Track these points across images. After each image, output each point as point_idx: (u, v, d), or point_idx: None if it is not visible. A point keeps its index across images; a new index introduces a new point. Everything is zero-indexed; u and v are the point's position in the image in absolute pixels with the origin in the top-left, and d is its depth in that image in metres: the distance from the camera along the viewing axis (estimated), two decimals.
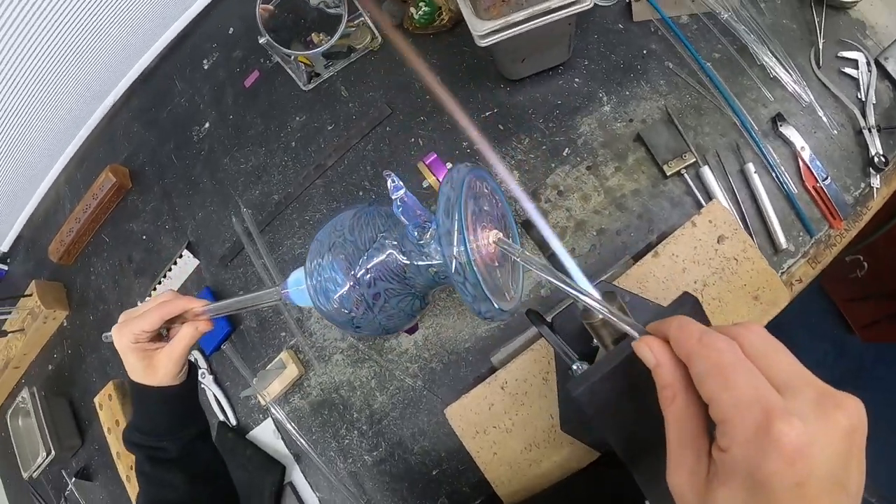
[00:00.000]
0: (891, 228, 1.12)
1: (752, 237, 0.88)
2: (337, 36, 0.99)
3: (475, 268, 0.47)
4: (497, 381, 0.79)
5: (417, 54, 1.04)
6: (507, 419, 0.78)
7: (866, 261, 1.41)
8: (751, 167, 0.91)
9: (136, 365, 0.65)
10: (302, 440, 0.95)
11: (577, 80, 0.98)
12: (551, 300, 0.90)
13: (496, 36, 0.83)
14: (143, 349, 0.65)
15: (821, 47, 0.98)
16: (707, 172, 0.90)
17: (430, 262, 0.55)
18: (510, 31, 0.83)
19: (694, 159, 0.91)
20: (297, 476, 0.98)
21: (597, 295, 0.43)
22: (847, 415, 0.27)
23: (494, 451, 0.78)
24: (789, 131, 0.94)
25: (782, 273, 0.88)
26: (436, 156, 0.72)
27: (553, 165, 0.94)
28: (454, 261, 0.47)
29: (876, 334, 1.77)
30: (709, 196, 0.90)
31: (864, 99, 0.99)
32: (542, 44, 0.92)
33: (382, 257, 0.56)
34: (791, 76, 0.97)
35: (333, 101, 1.08)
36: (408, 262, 0.56)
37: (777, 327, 1.82)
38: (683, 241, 0.80)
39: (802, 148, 0.93)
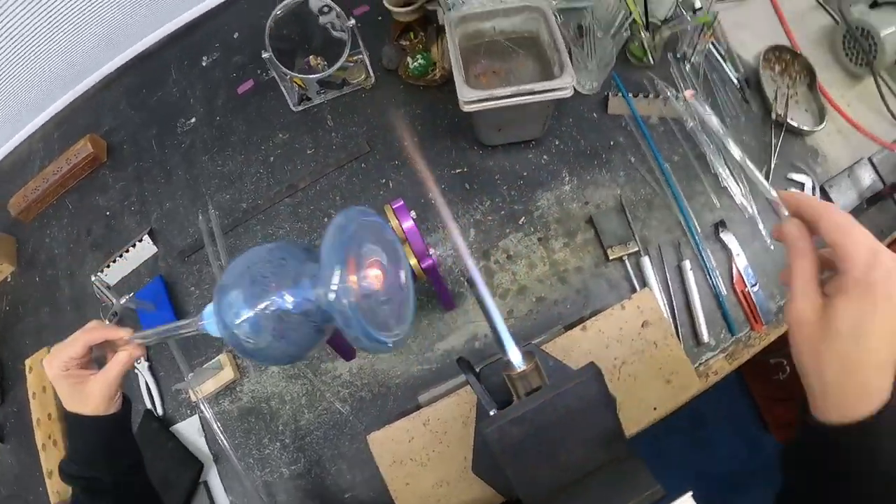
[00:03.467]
0: None
1: (677, 327, 0.96)
2: (336, 66, 1.05)
3: (351, 303, 0.49)
4: (421, 417, 0.85)
5: (405, 101, 1.11)
6: (424, 454, 0.84)
7: (789, 365, 1.51)
8: (687, 264, 1.00)
9: (69, 392, 0.66)
10: (225, 442, 0.98)
11: (545, 156, 1.06)
12: (483, 353, 0.96)
13: (479, 104, 0.91)
14: (75, 376, 0.66)
15: (772, 166, 1.08)
16: (647, 263, 0.99)
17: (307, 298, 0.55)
18: (492, 102, 0.91)
19: (637, 249, 0.99)
20: (212, 477, 1.00)
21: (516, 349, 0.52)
22: None
23: (407, 482, 0.84)
24: (729, 238, 1.03)
25: (700, 364, 0.96)
26: (403, 202, 0.78)
27: (507, 231, 1.01)
28: (327, 297, 0.49)
29: (788, 435, 1.87)
30: (644, 284, 0.98)
31: None
32: (520, 119, 1.00)
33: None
34: (739, 188, 1.07)
35: (317, 127, 1.14)
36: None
37: (699, 419, 1.91)
38: (611, 320, 0.88)
39: (738, 255, 1.02)
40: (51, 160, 1.29)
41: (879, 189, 1.06)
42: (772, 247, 1.01)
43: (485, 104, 0.91)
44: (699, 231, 1.02)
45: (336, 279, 0.48)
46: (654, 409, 0.85)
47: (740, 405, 2.00)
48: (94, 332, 0.67)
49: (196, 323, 0.62)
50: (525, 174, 1.05)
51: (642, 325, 0.88)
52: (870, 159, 1.08)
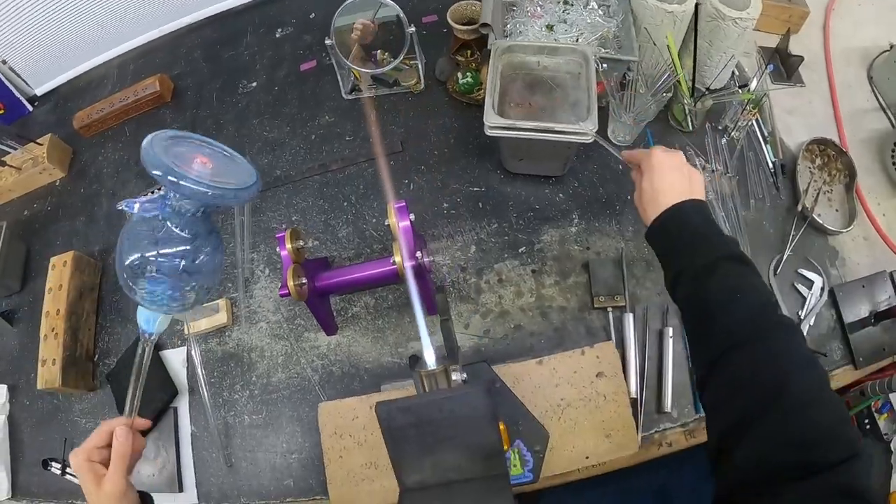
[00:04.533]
0: None
1: (641, 389, 0.97)
2: (391, 66, 1.12)
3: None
4: (370, 400, 0.92)
5: (446, 113, 1.17)
6: (363, 434, 0.91)
7: None
8: (669, 331, 1.01)
9: (89, 487, 0.66)
10: (202, 378, 1.05)
11: (561, 194, 1.10)
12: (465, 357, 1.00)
13: (501, 132, 0.96)
14: (96, 470, 0.66)
15: (784, 258, 1.08)
16: (629, 319, 1.01)
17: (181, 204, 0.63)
18: (513, 132, 0.96)
19: (624, 304, 1.02)
20: (182, 405, 1.07)
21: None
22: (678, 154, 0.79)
23: (341, 454, 0.90)
24: None
25: (656, 431, 0.96)
26: (405, 204, 0.84)
27: (505, 255, 1.06)
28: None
29: None
30: (622, 339, 1.01)
31: (802, 317, 1.08)
32: (541, 153, 1.05)
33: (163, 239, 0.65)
34: None
35: (360, 118, 1.22)
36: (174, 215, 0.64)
37: (665, 496, 1.85)
38: (568, 362, 0.92)
39: None
40: (122, 88, 1.40)
41: (893, 306, 1.04)
42: None
43: (507, 132, 0.97)
44: None
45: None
46: (587, 457, 0.88)
47: (711, 488, 1.95)
48: (113, 422, 0.70)
49: (145, 342, 0.71)
50: (537, 207, 1.10)
51: (596, 375, 0.91)
52: (891, 274, 1.07)
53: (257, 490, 0.99)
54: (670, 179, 0.76)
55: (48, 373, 1.06)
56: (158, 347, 1.12)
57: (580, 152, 1.12)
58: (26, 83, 1.48)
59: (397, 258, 0.87)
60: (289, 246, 0.90)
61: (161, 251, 0.63)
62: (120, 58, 1.51)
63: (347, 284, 0.97)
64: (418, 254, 0.85)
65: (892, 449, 1.18)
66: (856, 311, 1.06)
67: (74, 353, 1.10)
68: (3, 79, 1.40)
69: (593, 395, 0.91)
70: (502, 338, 1.01)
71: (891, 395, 1.13)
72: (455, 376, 0.65)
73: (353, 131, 1.21)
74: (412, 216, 0.84)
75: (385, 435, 0.60)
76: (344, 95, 1.23)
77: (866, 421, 1.16)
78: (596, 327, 1.02)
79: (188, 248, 0.64)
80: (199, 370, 1.06)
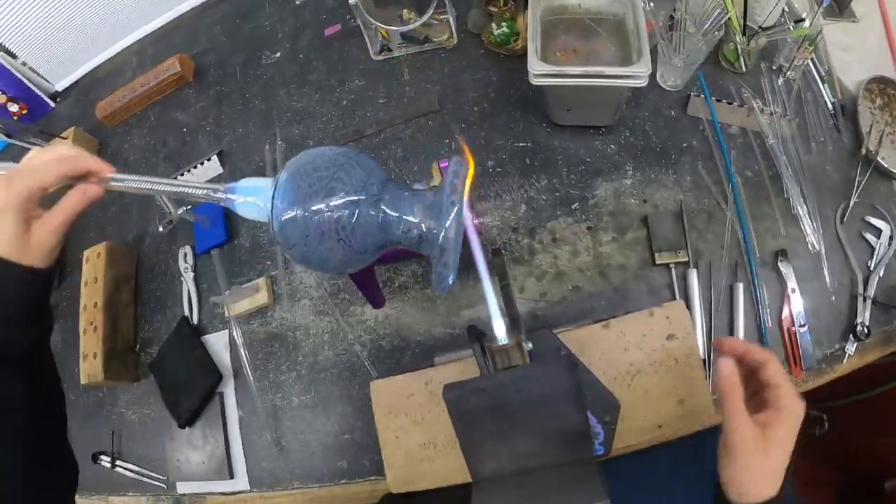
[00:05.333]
0: (862, 400, 1.12)
1: (708, 350, 0.92)
2: (420, 21, 1.06)
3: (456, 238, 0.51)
4: (425, 375, 0.86)
5: (482, 66, 1.10)
6: (419, 412, 0.85)
7: (829, 421, 1.42)
8: (740, 287, 0.95)
9: (10, 231, 0.53)
10: (247, 360, 1.02)
11: (612, 145, 1.03)
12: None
13: (548, 80, 0.89)
14: (27, 213, 0.54)
15: (851, 205, 1.01)
16: (693, 275, 0.95)
17: (409, 220, 0.54)
18: (561, 80, 0.89)
19: (686, 259, 0.95)
20: (228, 389, 1.04)
21: None
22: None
23: (397, 434, 0.85)
24: (787, 269, 0.97)
25: None
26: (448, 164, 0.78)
27: (558, 213, 0.99)
28: (446, 230, 0.50)
29: (809, 494, 1.77)
30: (687, 297, 0.94)
31: (871, 268, 1.01)
32: (590, 102, 0.97)
33: (364, 198, 0.54)
34: (811, 221, 1.01)
35: (392, 79, 1.15)
36: (387, 214, 0.55)
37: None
38: (636, 324, 0.85)
39: (793, 290, 0.96)
40: (142, 73, 1.36)
41: None
42: (830, 287, 0.95)
43: (552, 80, 0.90)
44: (757, 255, 0.97)
45: (453, 215, 0.50)
46: (660, 426, 0.82)
47: None
48: (74, 161, 0.56)
49: (220, 193, 0.56)
50: (588, 160, 1.02)
51: (667, 338, 0.84)
52: None
53: (310, 473, 0.96)
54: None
55: (90, 367, 1.04)
56: (200, 332, 1.09)
57: (629, 99, 1.04)
58: (46, 80, 1.46)
59: None
60: None
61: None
62: (137, 44, 1.47)
63: (393, 253, 0.91)
64: (475, 216, 0.78)
65: None
66: None
67: (115, 345, 1.08)
68: (24, 79, 1.38)
69: (664, 359, 0.84)
70: (560, 301, 0.95)
71: None
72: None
73: (387, 93, 1.14)
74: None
75: (455, 422, 0.54)
76: (373, 56, 1.16)
77: None
78: (658, 286, 0.95)
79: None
80: (242, 353, 1.03)
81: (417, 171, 1.08)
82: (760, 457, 0.57)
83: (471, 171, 0.54)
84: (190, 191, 0.57)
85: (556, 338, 0.81)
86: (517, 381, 0.54)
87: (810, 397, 1.00)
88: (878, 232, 1.01)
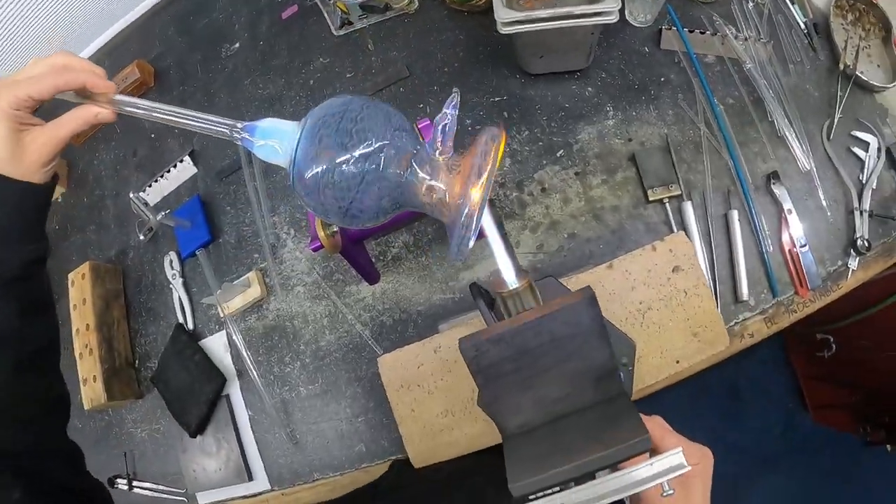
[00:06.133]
0: (865, 318, 1.12)
1: (714, 281, 0.91)
2: None
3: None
4: (432, 343, 0.83)
5: (448, 27, 1.08)
6: (432, 381, 0.82)
7: (835, 343, 1.42)
8: (735, 214, 0.93)
9: (4, 141, 0.51)
10: (248, 358, 1.00)
11: (589, 88, 1.01)
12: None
13: (517, 27, 0.87)
14: (20, 121, 0.51)
15: (836, 121, 1.00)
16: (688, 208, 0.93)
17: (432, 183, 0.51)
18: (531, 25, 0.87)
19: (679, 192, 0.94)
20: (234, 391, 1.02)
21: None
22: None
23: (413, 408, 0.83)
24: (781, 191, 0.96)
25: (736, 323, 0.90)
26: (429, 121, 0.76)
27: (544, 162, 0.97)
28: (470, 199, 0.46)
29: (827, 417, 1.78)
30: (685, 230, 0.93)
31: (864, 181, 1.00)
32: (563, 46, 0.95)
33: (392, 152, 0.51)
34: (798, 140, 0.99)
35: (358, 52, 1.12)
36: (410, 171, 0.51)
37: (734, 390, 1.85)
38: (640, 261, 0.83)
39: (789, 210, 0.95)
40: None
41: None
42: (825, 204, 0.94)
43: (522, 27, 0.87)
44: (749, 181, 0.95)
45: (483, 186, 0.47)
46: (678, 362, 0.81)
47: (779, 380, 1.91)
48: (71, 73, 0.52)
49: (237, 130, 0.53)
50: (567, 106, 1.00)
51: (673, 270, 0.83)
52: None
53: (328, 462, 0.94)
54: None
55: (92, 391, 1.03)
56: (197, 337, 1.07)
57: (601, 40, 1.02)
58: None
59: None
60: None
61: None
62: (93, 57, 1.43)
63: (394, 218, 0.89)
64: None
65: None
66: None
67: (114, 365, 1.06)
68: None
69: (673, 293, 0.82)
70: (558, 250, 0.93)
71: None
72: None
73: (353, 67, 1.11)
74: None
75: (476, 376, 0.50)
76: (335, 32, 1.13)
77: None
78: (655, 222, 0.94)
79: None
80: (243, 351, 1.00)
81: None
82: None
83: (502, 142, 0.50)
84: (205, 125, 0.53)
85: (561, 284, 0.79)
86: (536, 324, 0.50)
87: (816, 320, 1.00)
88: (865, 145, 1.01)
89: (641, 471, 0.44)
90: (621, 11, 1.02)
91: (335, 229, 0.80)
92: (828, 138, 1.01)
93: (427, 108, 1.04)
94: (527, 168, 0.97)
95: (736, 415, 1.86)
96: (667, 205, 0.93)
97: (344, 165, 0.48)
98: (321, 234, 0.77)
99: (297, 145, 0.49)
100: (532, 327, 0.50)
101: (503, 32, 0.88)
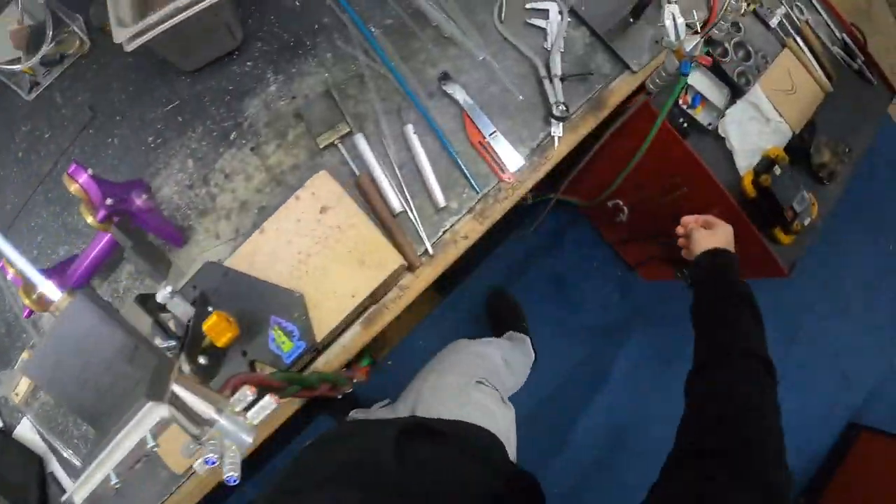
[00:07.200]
0: (631, 173, 1.08)
1: (408, 199, 0.89)
2: (47, 47, 1.04)
3: None
4: None
5: (120, 53, 1.07)
6: None
7: (626, 205, 1.41)
8: (409, 129, 0.92)
9: None
10: (45, 433, 1.01)
11: (248, 62, 1.00)
12: None
13: (139, 40, 0.86)
14: None
15: (504, 2, 0.99)
16: (360, 140, 0.92)
17: None
18: (153, 31, 0.85)
19: (348, 129, 0.92)
20: (55, 466, 1.02)
21: None
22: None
23: None
24: (454, 88, 0.94)
25: (445, 231, 0.90)
26: (76, 166, 0.77)
27: (221, 150, 0.97)
28: None
29: (652, 272, 1.78)
30: (364, 164, 0.91)
31: (549, 48, 0.98)
32: (198, 36, 0.94)
33: None
34: (465, 34, 0.97)
35: (50, 108, 1.11)
36: None
37: (559, 281, 1.84)
38: (287, 215, 0.83)
39: (468, 103, 0.93)
40: None
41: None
42: (517, 93, 0.93)
43: (146, 36, 0.86)
44: (421, 91, 0.94)
45: None
46: (353, 296, 0.80)
47: (598, 254, 1.94)
48: None
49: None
50: (231, 88, 1.00)
51: (320, 211, 0.82)
52: None
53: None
54: None
55: None
56: (9, 432, 1.07)
57: (253, 10, 1.01)
58: None
59: (88, 219, 0.81)
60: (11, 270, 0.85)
61: None
62: None
63: (93, 269, 0.91)
64: (142, 195, 0.83)
65: (722, 134, 1.09)
66: (608, 18, 1.00)
67: None
68: None
69: (327, 232, 0.82)
70: (253, 228, 0.92)
71: (691, 81, 1.04)
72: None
73: (49, 125, 1.10)
74: (90, 171, 0.78)
75: (46, 389, 0.59)
76: (25, 97, 1.13)
77: (682, 121, 1.05)
78: (335, 165, 0.93)
79: None
80: (36, 427, 1.02)
81: None
82: (708, 234, 0.95)
83: None
84: None
85: (221, 266, 0.80)
86: (59, 332, 0.54)
87: (599, 192, 0.98)
88: (545, 14, 1.00)
89: None
90: None
91: (39, 290, 0.82)
92: (500, 20, 0.99)
93: (115, 140, 1.03)
94: (208, 161, 0.97)
95: (572, 302, 1.88)
96: (338, 145, 0.92)
97: None
98: (27, 301, 0.81)
99: None
100: (58, 336, 0.54)
101: (129, 50, 0.87)
